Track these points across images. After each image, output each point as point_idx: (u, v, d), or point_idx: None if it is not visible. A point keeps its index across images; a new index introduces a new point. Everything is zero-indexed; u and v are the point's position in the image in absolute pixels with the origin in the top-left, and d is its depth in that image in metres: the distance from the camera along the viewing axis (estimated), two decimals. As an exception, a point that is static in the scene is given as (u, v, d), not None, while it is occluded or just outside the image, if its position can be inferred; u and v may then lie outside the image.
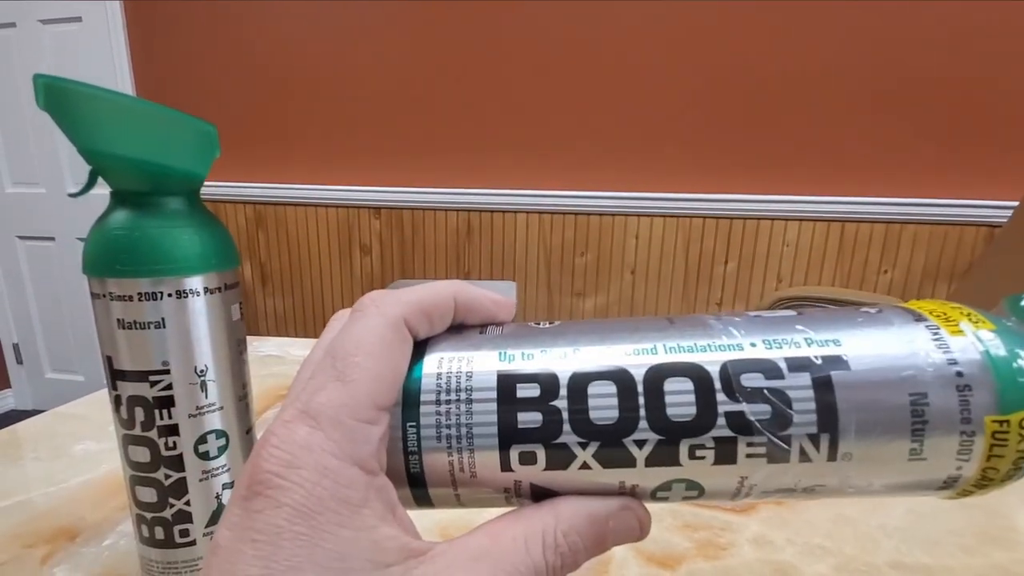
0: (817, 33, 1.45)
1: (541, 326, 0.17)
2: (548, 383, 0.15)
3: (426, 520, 0.31)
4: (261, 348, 0.74)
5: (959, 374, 0.14)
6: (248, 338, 0.76)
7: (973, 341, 0.14)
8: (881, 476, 0.15)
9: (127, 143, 0.24)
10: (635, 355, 0.15)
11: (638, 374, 0.15)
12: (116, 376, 0.27)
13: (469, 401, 0.15)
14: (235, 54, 1.81)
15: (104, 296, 0.26)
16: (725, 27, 1.49)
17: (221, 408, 0.28)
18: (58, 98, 0.23)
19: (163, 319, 0.26)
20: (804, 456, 0.14)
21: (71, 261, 2.19)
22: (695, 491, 0.15)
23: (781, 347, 0.15)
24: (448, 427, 0.15)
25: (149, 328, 0.26)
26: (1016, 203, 1.23)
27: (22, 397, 2.42)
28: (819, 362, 0.15)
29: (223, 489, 0.29)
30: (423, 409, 0.15)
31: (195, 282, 0.26)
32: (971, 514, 0.38)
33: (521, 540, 0.15)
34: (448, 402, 0.15)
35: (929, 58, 1.41)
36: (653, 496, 0.16)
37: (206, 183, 0.28)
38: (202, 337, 0.27)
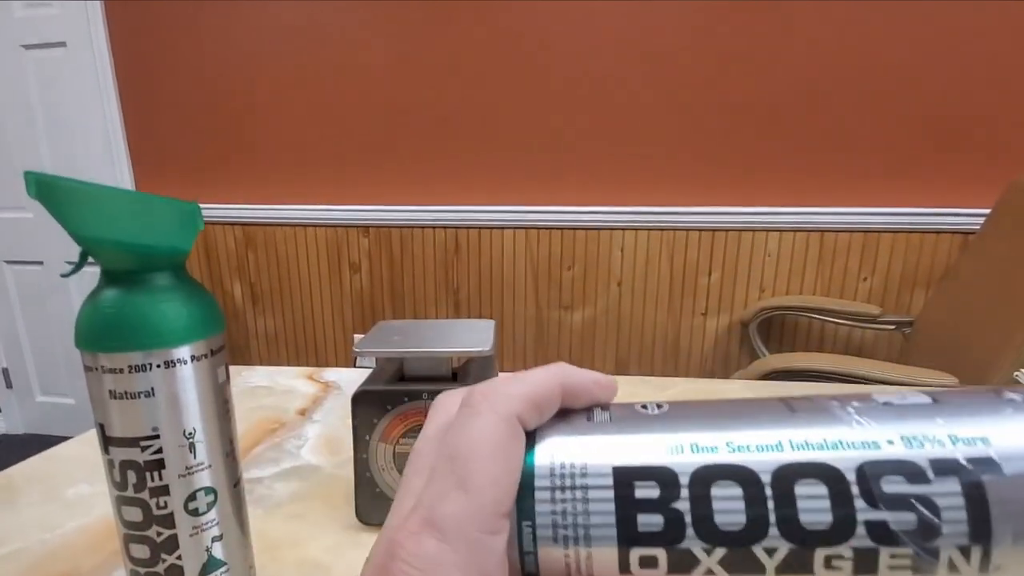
0: (796, 49, 1.48)
1: (649, 411, 0.16)
2: (669, 481, 0.14)
3: None
4: (250, 379, 0.74)
5: None
6: (237, 368, 0.77)
7: None
8: None
9: (114, 229, 0.26)
10: (759, 452, 0.14)
11: (765, 476, 0.14)
12: (108, 442, 0.28)
13: (586, 500, 0.14)
14: (222, 76, 1.82)
15: (96, 369, 0.27)
16: (706, 43, 1.52)
17: (209, 466, 0.30)
18: (48, 191, 0.24)
19: (153, 388, 0.27)
20: (953, 568, 0.13)
21: (59, 285, 2.19)
22: None
23: (923, 445, 0.14)
24: (564, 527, 0.14)
25: (139, 397, 0.27)
26: (988, 210, 1.26)
27: (12, 421, 2.41)
28: (968, 465, 0.13)
29: (212, 542, 0.30)
30: (539, 508, 0.15)
31: (183, 351, 0.28)
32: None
33: None
34: (564, 500, 0.15)
35: (902, 70, 1.45)
36: None
37: None
38: (190, 402, 0.29)
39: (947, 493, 0.13)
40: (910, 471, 0.13)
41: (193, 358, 0.28)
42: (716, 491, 0.14)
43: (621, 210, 1.63)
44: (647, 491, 0.14)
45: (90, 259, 0.27)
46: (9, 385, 2.37)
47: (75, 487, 0.50)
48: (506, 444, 0.15)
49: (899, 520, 0.13)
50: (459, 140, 1.71)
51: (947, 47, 1.42)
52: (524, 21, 1.59)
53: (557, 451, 0.15)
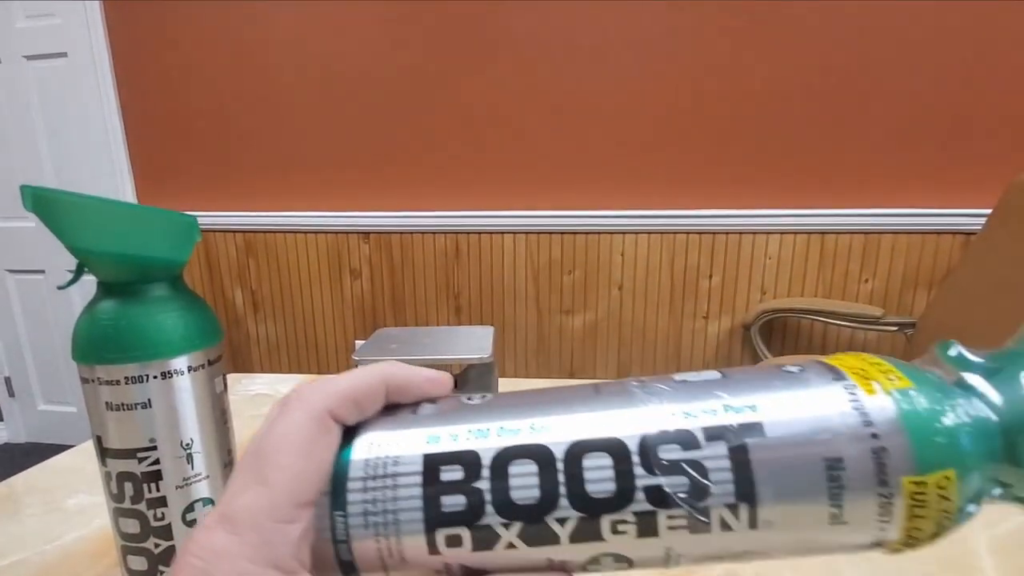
0: (795, 49, 1.48)
1: (472, 402, 0.17)
2: (471, 464, 0.15)
3: None
4: (251, 387, 0.74)
5: (874, 436, 0.14)
6: (238, 375, 0.77)
7: (889, 401, 0.14)
8: (806, 540, 0.15)
9: (111, 241, 0.26)
10: (556, 431, 0.15)
11: (559, 451, 0.15)
12: (105, 454, 0.28)
13: (395, 487, 0.15)
14: (222, 84, 1.83)
15: (93, 381, 0.27)
16: (704, 46, 1.53)
17: (207, 477, 0.30)
18: (45, 205, 0.24)
19: (149, 400, 0.27)
20: (725, 526, 0.14)
21: (61, 294, 2.19)
22: (624, 563, 0.15)
23: (698, 416, 0.15)
24: (375, 513, 0.15)
25: (136, 409, 0.27)
26: (990, 211, 1.26)
27: (15, 430, 2.41)
28: (735, 430, 0.15)
29: (211, 554, 0.30)
30: (350, 497, 0.15)
31: (179, 362, 0.28)
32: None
33: None
34: (375, 488, 0.15)
35: (901, 70, 1.45)
36: (584, 569, 0.16)
37: (195, 213, 0.29)
38: (187, 413, 0.29)
39: (715, 456, 0.14)
40: (684, 439, 0.15)
41: (190, 369, 0.28)
42: (514, 469, 0.15)
43: (621, 214, 1.63)
44: (452, 474, 0.15)
45: (87, 271, 0.27)
46: (11, 394, 2.37)
47: (75, 497, 0.50)
48: (312, 439, 0.15)
49: (673, 483, 0.14)
50: (459, 145, 1.71)
51: (946, 47, 1.42)
52: (524, 26, 1.60)
53: (374, 444, 0.16)
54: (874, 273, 1.54)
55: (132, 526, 0.29)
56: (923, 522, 0.14)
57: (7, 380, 2.36)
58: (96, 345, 0.27)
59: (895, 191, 1.50)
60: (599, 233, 1.66)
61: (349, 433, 0.17)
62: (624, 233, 1.65)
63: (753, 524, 0.14)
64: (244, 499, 0.15)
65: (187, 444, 0.29)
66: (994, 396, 0.15)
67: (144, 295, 0.27)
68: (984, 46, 1.40)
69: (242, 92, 1.82)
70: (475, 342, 0.43)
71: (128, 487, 0.28)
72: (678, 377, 0.17)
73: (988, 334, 1.10)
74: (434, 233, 1.76)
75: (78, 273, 0.27)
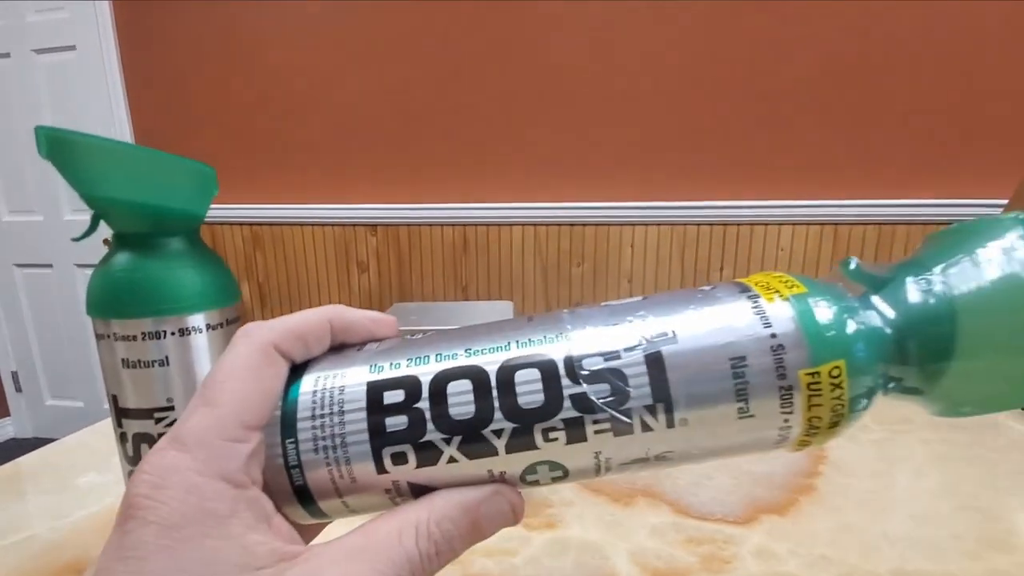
0: (807, 38, 1.47)
1: (414, 338, 0.18)
2: (412, 387, 0.16)
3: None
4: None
5: (773, 335, 0.15)
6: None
7: (786, 304, 0.16)
8: (720, 437, 0.16)
9: (128, 188, 0.25)
10: (491, 353, 0.17)
11: (492, 370, 0.16)
12: (121, 414, 0.27)
13: (342, 413, 0.16)
14: (229, 77, 1.83)
15: (108, 336, 0.26)
16: (716, 35, 1.51)
17: (225, 441, 0.29)
18: (60, 148, 0.23)
19: (167, 357, 0.26)
20: (646, 426, 0.16)
21: (69, 288, 2.19)
22: (559, 471, 0.17)
23: (619, 331, 0.16)
24: (324, 439, 0.16)
25: (153, 366, 0.26)
26: (1005, 201, 1.24)
27: (21, 425, 2.41)
28: (651, 339, 0.16)
29: (229, 522, 0.29)
30: (300, 425, 0.16)
31: (197, 319, 0.27)
32: (972, 518, 0.38)
33: (395, 533, 0.15)
34: (323, 416, 0.16)
35: (916, 59, 1.43)
36: (524, 481, 0.17)
37: None
38: (205, 373, 0.27)
39: (633, 363, 0.16)
40: (606, 352, 0.16)
41: (208, 327, 0.27)
42: (451, 388, 0.16)
43: (631, 206, 1.62)
44: (394, 397, 0.16)
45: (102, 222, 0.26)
46: (19, 389, 2.38)
47: (85, 476, 0.49)
48: (257, 366, 0.16)
49: (596, 391, 0.16)
50: (467, 137, 1.70)
51: (962, 35, 1.40)
52: (531, 18, 1.59)
53: (320, 377, 0.17)
54: (888, 265, 1.52)
55: (148, 491, 0.28)
56: (820, 410, 0.15)
57: (14, 375, 2.36)
58: (111, 298, 0.26)
59: (909, 182, 1.48)
60: (608, 225, 1.65)
61: (298, 372, 0.17)
62: (634, 225, 1.63)
63: (671, 423, 0.16)
64: (192, 420, 0.15)
65: (205, 406, 0.28)
66: (883, 303, 0.16)
67: (161, 248, 0.26)
68: (1000, 34, 1.38)
69: (250, 85, 1.81)
70: (494, 316, 0.42)
71: (144, 449, 0.27)
72: (604, 304, 0.18)
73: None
74: (442, 225, 1.75)
75: (93, 224, 0.26)
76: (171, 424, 0.27)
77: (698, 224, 1.60)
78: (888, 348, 0.16)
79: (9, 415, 2.40)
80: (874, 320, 0.16)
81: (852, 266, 0.18)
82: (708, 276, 1.63)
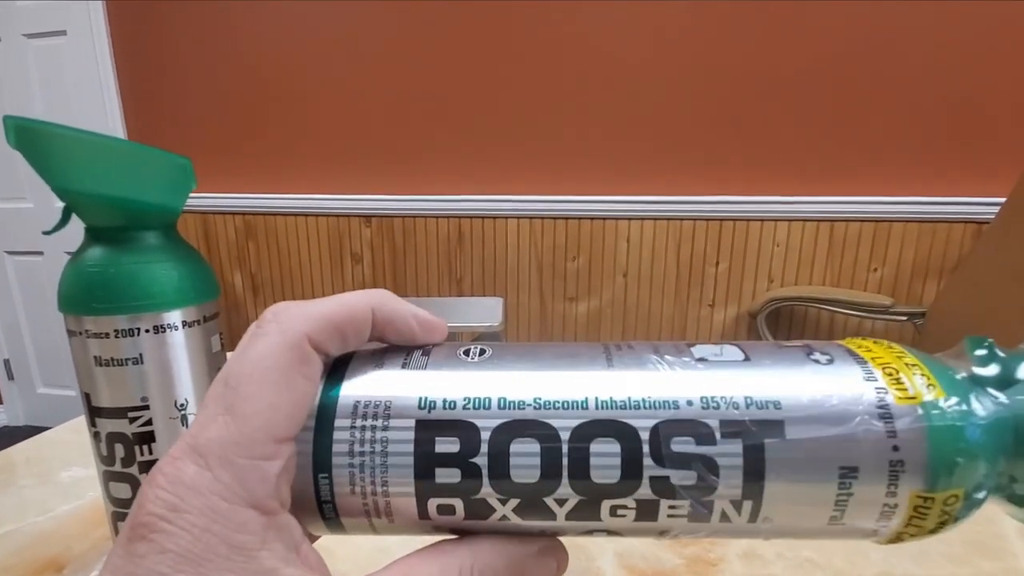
0: (804, 34, 1.46)
1: (470, 358, 0.16)
2: (469, 439, 0.14)
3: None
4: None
5: (895, 448, 0.13)
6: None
7: (918, 411, 0.14)
8: (800, 532, 0.15)
9: (99, 181, 0.24)
10: (563, 409, 0.14)
11: (565, 433, 0.14)
12: (94, 413, 0.26)
13: (385, 454, 0.14)
14: (221, 64, 1.80)
15: (80, 334, 0.25)
16: (713, 29, 1.50)
17: (203, 440, 0.28)
18: (29, 139, 0.23)
19: (141, 355, 0.26)
20: (725, 518, 0.14)
21: (60, 276, 2.17)
22: (616, 535, 0.15)
23: (719, 407, 0.14)
24: (363, 479, 0.14)
25: (127, 364, 0.26)
26: (1003, 199, 1.23)
27: (14, 413, 2.40)
28: (754, 429, 0.14)
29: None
30: (336, 461, 0.14)
31: (173, 316, 0.26)
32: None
33: None
34: (363, 454, 0.14)
35: (914, 56, 1.42)
36: (574, 535, 0.16)
37: (194, 195, 0.28)
38: (182, 371, 0.27)
39: (729, 454, 0.14)
40: (700, 433, 0.14)
41: (185, 324, 0.27)
42: (515, 447, 0.14)
43: (626, 199, 1.61)
44: (447, 446, 0.14)
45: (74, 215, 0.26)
46: (11, 376, 2.37)
47: (69, 470, 0.49)
48: (288, 367, 0.14)
49: (681, 477, 0.14)
50: (462, 128, 1.69)
51: (958, 32, 1.39)
52: (526, 10, 1.57)
53: (361, 403, 0.15)
54: (883, 262, 1.52)
55: (123, 490, 0.27)
56: (918, 530, 0.14)
57: (6, 363, 2.35)
58: (83, 294, 0.25)
59: (905, 179, 1.48)
60: (604, 219, 1.64)
61: (333, 373, 0.15)
62: (629, 219, 1.63)
63: (753, 520, 0.14)
64: (213, 431, 0.13)
65: (181, 404, 0.27)
66: (1009, 399, 0.14)
67: (136, 243, 0.26)
68: (997, 31, 1.37)
69: (242, 72, 1.79)
70: (484, 311, 0.42)
71: (119, 449, 0.26)
72: (697, 353, 0.16)
73: (1000, 324, 1.08)
74: (437, 217, 1.74)
75: (65, 217, 0.25)
76: (146, 424, 0.26)
77: (694, 219, 1.59)
78: (1014, 455, 0.14)
79: (1, 403, 2.39)
80: (1005, 430, 0.14)
81: (983, 352, 0.15)
82: (704, 271, 1.62)
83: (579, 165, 1.64)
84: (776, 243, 1.57)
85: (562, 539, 0.16)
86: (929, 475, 0.13)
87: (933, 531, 0.14)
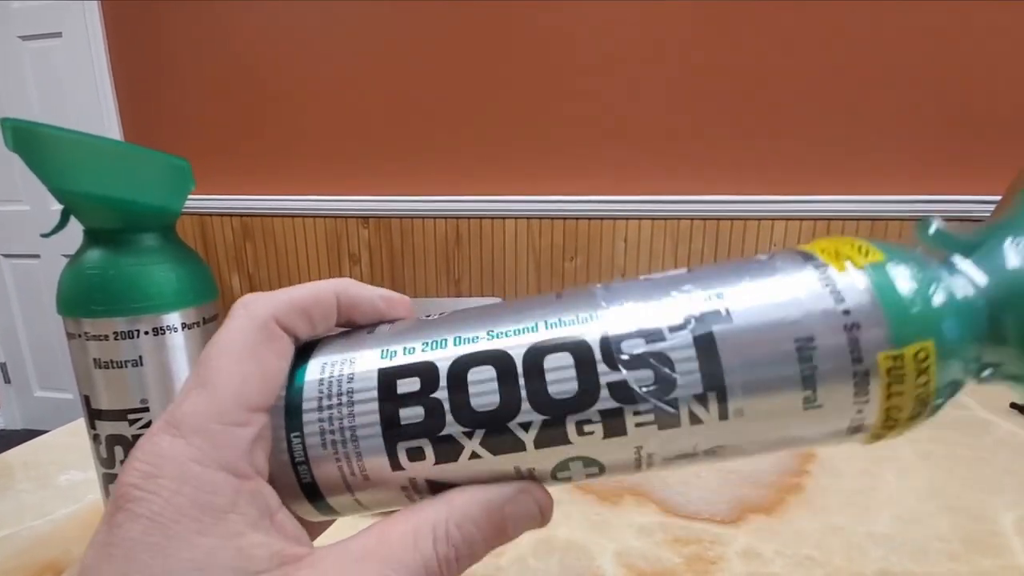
0: (802, 33, 1.46)
1: (430, 318, 0.17)
2: (428, 374, 0.15)
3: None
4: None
5: (846, 312, 0.13)
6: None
7: (860, 275, 0.13)
8: (780, 429, 0.14)
9: (98, 183, 0.24)
10: (516, 335, 0.15)
11: (518, 354, 0.14)
12: (94, 415, 0.26)
13: (351, 403, 0.15)
14: (218, 65, 1.80)
15: (80, 336, 0.25)
16: (710, 29, 1.50)
17: (203, 442, 0.28)
18: (27, 140, 0.23)
19: (140, 357, 0.26)
20: (695, 418, 0.14)
21: (56, 279, 2.16)
22: (594, 467, 0.15)
23: (662, 308, 0.14)
24: (332, 432, 0.15)
25: (126, 367, 0.26)
26: (998, 197, 1.24)
27: (11, 417, 2.39)
28: (700, 318, 0.14)
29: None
30: (306, 417, 0.15)
31: (173, 318, 0.26)
32: (957, 519, 0.38)
33: (410, 535, 0.14)
34: (331, 407, 0.15)
35: (912, 55, 1.43)
36: (554, 478, 0.15)
37: (191, 197, 0.28)
38: (181, 373, 0.27)
39: (681, 346, 0.14)
40: (648, 332, 0.14)
41: (184, 326, 0.27)
42: (472, 376, 0.14)
43: (624, 200, 1.61)
44: (408, 386, 0.15)
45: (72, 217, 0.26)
46: (7, 380, 2.36)
47: (67, 474, 0.49)
48: (256, 343, 0.15)
49: (638, 378, 0.14)
50: (460, 129, 1.69)
51: (956, 31, 1.39)
52: (525, 11, 1.57)
53: (327, 363, 0.16)
54: (880, 261, 1.53)
55: (123, 493, 0.27)
56: (901, 400, 0.13)
57: (3, 366, 2.34)
58: (82, 297, 0.25)
59: (903, 177, 1.49)
60: (602, 219, 1.64)
61: (302, 355, 0.16)
62: (627, 219, 1.63)
63: (724, 415, 0.14)
64: (187, 405, 0.14)
65: (181, 407, 0.27)
66: (975, 271, 0.14)
67: (134, 245, 0.26)
68: (994, 31, 1.37)
69: (239, 74, 1.79)
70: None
71: (118, 451, 0.26)
72: (643, 276, 0.16)
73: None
74: (435, 218, 1.74)
75: (63, 219, 0.25)
76: (146, 426, 0.26)
77: (691, 219, 1.60)
78: (984, 325, 0.13)
79: (-3, 406, 2.38)
80: (967, 291, 0.14)
81: (933, 229, 0.15)
82: (701, 271, 1.62)
83: (577, 165, 1.64)
84: (773, 242, 1.57)
85: (550, 489, 0.16)
86: (888, 330, 0.13)
87: (918, 408, 0.14)
